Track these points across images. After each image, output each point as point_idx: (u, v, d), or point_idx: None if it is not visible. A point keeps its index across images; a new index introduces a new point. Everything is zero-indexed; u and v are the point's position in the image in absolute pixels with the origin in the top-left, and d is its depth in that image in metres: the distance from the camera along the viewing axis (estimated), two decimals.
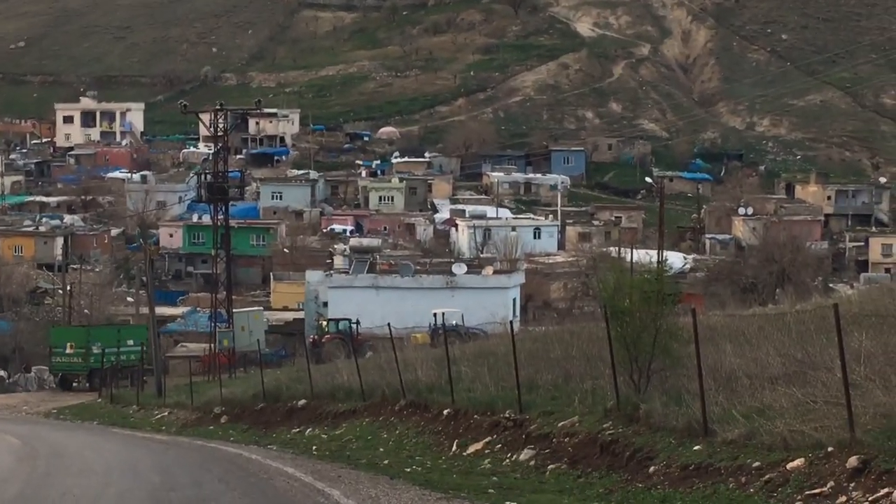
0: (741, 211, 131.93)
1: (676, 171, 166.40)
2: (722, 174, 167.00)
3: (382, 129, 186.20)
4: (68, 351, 70.46)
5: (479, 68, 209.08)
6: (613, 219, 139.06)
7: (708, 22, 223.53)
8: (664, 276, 25.60)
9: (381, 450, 26.29)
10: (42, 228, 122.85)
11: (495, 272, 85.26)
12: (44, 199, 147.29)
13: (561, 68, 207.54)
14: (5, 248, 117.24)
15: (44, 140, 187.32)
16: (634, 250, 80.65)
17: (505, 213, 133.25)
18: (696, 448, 18.20)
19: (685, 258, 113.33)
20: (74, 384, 71.18)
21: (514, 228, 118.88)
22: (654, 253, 76.90)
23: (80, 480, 22.97)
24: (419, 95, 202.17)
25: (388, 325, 32.85)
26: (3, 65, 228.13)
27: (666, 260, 77.42)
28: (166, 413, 46.95)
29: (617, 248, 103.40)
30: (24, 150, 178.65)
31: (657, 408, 20.03)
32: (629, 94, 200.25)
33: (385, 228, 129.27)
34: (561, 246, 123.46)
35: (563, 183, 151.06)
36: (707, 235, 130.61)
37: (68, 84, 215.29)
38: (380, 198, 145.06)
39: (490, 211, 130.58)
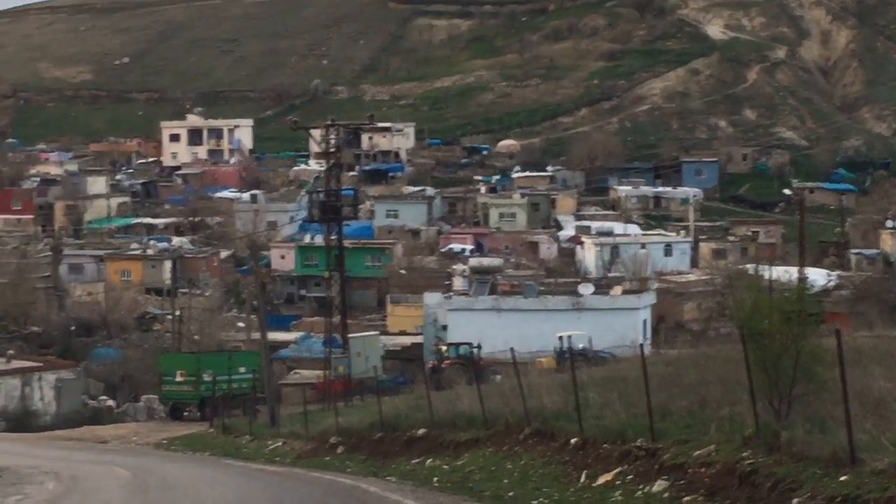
0: (889, 224, 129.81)
1: (817, 181, 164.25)
2: (867, 184, 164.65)
3: (502, 143, 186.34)
4: (178, 379, 71.40)
5: (603, 76, 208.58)
6: (750, 234, 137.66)
7: (849, 21, 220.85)
8: (806, 295, 25.32)
9: (506, 481, 26.29)
10: (150, 251, 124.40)
11: (624, 292, 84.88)
12: (151, 220, 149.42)
13: (691, 74, 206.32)
14: (112, 272, 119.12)
15: (150, 159, 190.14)
16: (773, 267, 79.69)
17: (633, 229, 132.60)
18: (842, 478, 17.98)
19: (828, 275, 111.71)
20: (185, 413, 72.12)
21: (643, 245, 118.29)
22: (794, 270, 75.97)
23: None
24: (540, 106, 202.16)
25: (511, 349, 32.84)
26: (108, 82, 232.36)
27: (807, 277, 76.45)
28: (280, 443, 47.34)
29: (754, 266, 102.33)
30: (130, 171, 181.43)
31: (800, 435, 19.82)
32: (765, 101, 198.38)
33: (506, 247, 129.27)
34: (694, 263, 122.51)
35: (695, 196, 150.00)
36: (852, 251, 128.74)
37: (174, 100, 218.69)
38: (500, 215, 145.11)
39: (618, 227, 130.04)
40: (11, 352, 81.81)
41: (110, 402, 77.13)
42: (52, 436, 65.49)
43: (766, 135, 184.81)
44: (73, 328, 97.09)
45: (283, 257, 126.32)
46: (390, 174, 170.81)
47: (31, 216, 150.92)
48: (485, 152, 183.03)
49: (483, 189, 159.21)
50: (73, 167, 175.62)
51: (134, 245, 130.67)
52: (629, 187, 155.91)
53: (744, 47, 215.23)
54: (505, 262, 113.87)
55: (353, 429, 41.49)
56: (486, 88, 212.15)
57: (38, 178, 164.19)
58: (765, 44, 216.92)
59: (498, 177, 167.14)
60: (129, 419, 73.49)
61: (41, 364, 77.52)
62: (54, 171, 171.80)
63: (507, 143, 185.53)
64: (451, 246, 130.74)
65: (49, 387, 73.55)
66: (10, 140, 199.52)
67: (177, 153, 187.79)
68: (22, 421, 71.29)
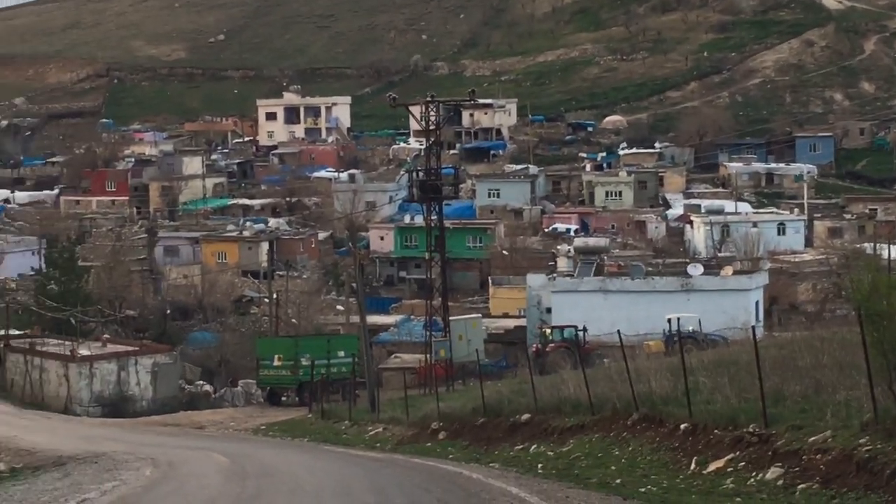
0: None
1: None
2: None
3: (608, 118, 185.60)
4: (276, 363, 71.88)
5: (713, 48, 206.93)
6: (868, 211, 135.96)
7: None
8: None
9: (613, 468, 26.24)
10: (246, 233, 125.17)
11: (735, 273, 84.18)
12: (247, 201, 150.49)
13: (805, 45, 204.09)
14: (208, 254, 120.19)
15: (246, 139, 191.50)
16: (892, 246, 78.85)
17: (745, 207, 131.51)
18: None
19: None
20: (283, 398, 72.65)
21: (755, 224, 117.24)
22: None
23: (291, 501, 23.49)
24: (647, 80, 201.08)
25: (618, 331, 32.74)
26: (203, 60, 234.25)
27: None
28: (381, 429, 47.56)
29: (872, 244, 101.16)
30: (226, 150, 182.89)
31: None
32: (883, 72, 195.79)
33: (612, 226, 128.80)
34: (808, 243, 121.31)
35: (809, 173, 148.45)
36: None
37: (270, 78, 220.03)
38: (606, 193, 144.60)
39: (728, 205, 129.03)
40: (107, 336, 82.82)
41: (207, 387, 77.89)
42: (149, 421, 66.28)
43: (884, 108, 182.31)
44: (168, 312, 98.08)
45: (382, 238, 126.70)
46: (492, 152, 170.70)
47: (126, 197, 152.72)
48: (590, 128, 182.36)
49: (588, 167, 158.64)
50: (168, 147, 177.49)
51: (230, 227, 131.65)
52: (740, 164, 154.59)
53: (860, 17, 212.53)
54: (611, 242, 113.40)
55: (454, 414, 41.59)
56: (591, 62, 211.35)
57: (133, 159, 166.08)
58: (883, 13, 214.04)
59: (603, 154, 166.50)
60: (226, 404, 74.18)
61: (137, 348, 78.38)
62: (149, 151, 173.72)
63: (613, 119, 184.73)
64: (555, 226, 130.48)
65: (145, 371, 74.37)
66: (104, 120, 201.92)
67: (273, 132, 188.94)
68: (118, 406, 72.19)
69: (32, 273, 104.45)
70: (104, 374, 73.40)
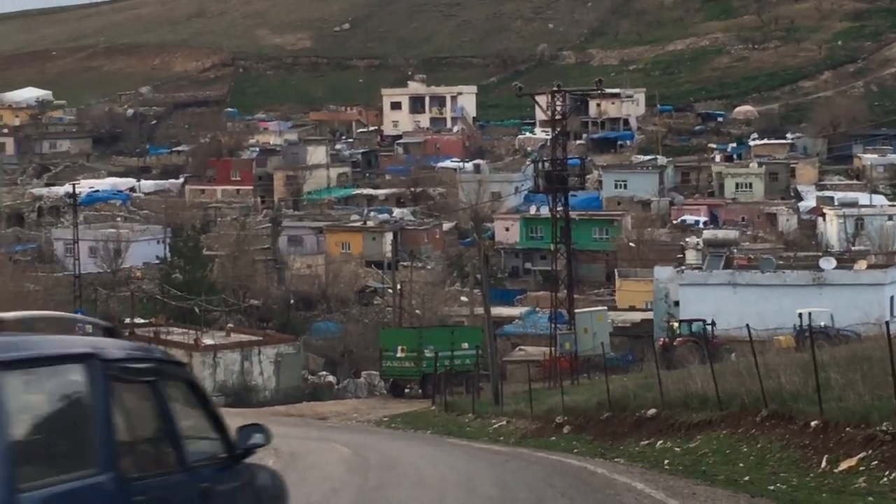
0: None
1: None
2: None
3: (738, 109, 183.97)
4: (399, 355, 72.12)
5: (847, 37, 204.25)
6: None
7: None
8: None
9: (741, 465, 26.03)
10: (370, 223, 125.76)
11: (869, 267, 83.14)
12: (371, 191, 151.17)
13: None
14: (332, 244, 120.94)
15: (370, 128, 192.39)
16: None
17: (880, 199, 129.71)
18: None
19: None
20: (406, 390, 72.91)
21: (890, 217, 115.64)
22: None
23: (414, 493, 23.57)
24: (779, 70, 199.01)
25: (747, 326, 32.45)
26: (328, 49, 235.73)
27: None
28: (504, 422, 47.55)
29: None
30: (351, 140, 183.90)
31: None
32: None
33: (743, 219, 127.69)
34: None
35: None
36: None
37: (395, 68, 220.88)
38: (736, 185, 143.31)
39: (862, 198, 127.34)
40: (231, 325, 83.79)
41: (330, 378, 78.46)
42: (272, 411, 66.82)
43: None
44: (292, 302, 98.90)
45: (507, 229, 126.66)
46: (619, 142, 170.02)
47: (251, 187, 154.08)
48: (720, 119, 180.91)
49: (718, 157, 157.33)
50: (292, 137, 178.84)
51: (354, 216, 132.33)
52: (875, 155, 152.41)
53: None
54: (741, 235, 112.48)
55: (579, 408, 41.48)
56: (721, 51, 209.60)
57: (258, 148, 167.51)
58: None
59: (734, 145, 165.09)
60: (349, 395, 74.62)
61: (261, 338, 79.18)
62: (273, 140, 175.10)
63: (743, 109, 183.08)
64: (683, 217, 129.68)
65: (268, 361, 75.12)
66: (229, 109, 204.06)
67: (398, 122, 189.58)
68: (241, 396, 72.97)
69: (157, 262, 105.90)
70: (228, 364, 74.27)
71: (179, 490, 8.82)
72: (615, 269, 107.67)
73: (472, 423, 50.17)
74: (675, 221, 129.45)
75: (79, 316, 11.10)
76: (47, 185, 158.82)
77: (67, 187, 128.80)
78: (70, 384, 7.94)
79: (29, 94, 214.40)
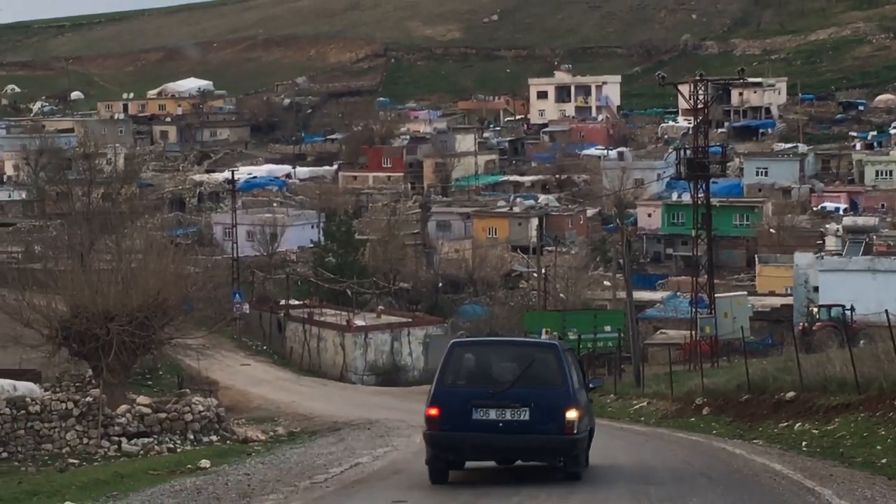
0: None
1: None
2: None
3: (879, 97, 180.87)
4: (543, 336, 72.17)
5: None
6: None
7: None
8: None
9: (879, 447, 25.67)
10: (516, 209, 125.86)
11: None
12: (518, 178, 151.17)
13: None
14: (479, 229, 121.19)
15: (517, 117, 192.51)
16: None
17: None
18: None
19: None
20: None
21: None
22: None
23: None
24: None
25: (886, 311, 31.96)
26: (477, 39, 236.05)
27: None
28: (645, 403, 47.41)
29: None
30: (498, 128, 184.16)
31: None
32: None
33: (882, 206, 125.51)
34: None
35: None
36: None
37: (542, 58, 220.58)
38: (876, 172, 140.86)
39: None
40: (381, 307, 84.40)
41: None
42: (420, 390, 67.19)
43: None
44: (440, 285, 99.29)
45: (649, 215, 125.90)
46: (760, 131, 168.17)
47: (401, 174, 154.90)
48: (861, 107, 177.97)
49: (858, 146, 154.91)
50: (441, 125, 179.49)
51: (501, 202, 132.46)
52: None
53: None
54: (881, 222, 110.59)
55: (718, 390, 41.21)
56: (863, 41, 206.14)
57: (408, 136, 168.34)
58: None
59: (874, 133, 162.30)
60: None
61: (410, 320, 79.70)
62: (423, 129, 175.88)
63: (885, 98, 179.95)
64: (823, 204, 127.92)
65: (417, 342, 75.62)
66: (381, 99, 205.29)
67: (544, 110, 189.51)
68: (391, 375, 73.57)
69: (311, 245, 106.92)
70: (378, 344, 74.91)
71: (583, 395, 22.30)
72: (755, 255, 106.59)
73: (613, 404, 50.10)
74: (815, 208, 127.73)
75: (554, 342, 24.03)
76: (207, 171, 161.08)
77: (226, 174, 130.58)
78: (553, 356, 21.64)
79: (191, 84, 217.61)
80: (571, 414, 20.74)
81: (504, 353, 22.32)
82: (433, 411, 21.27)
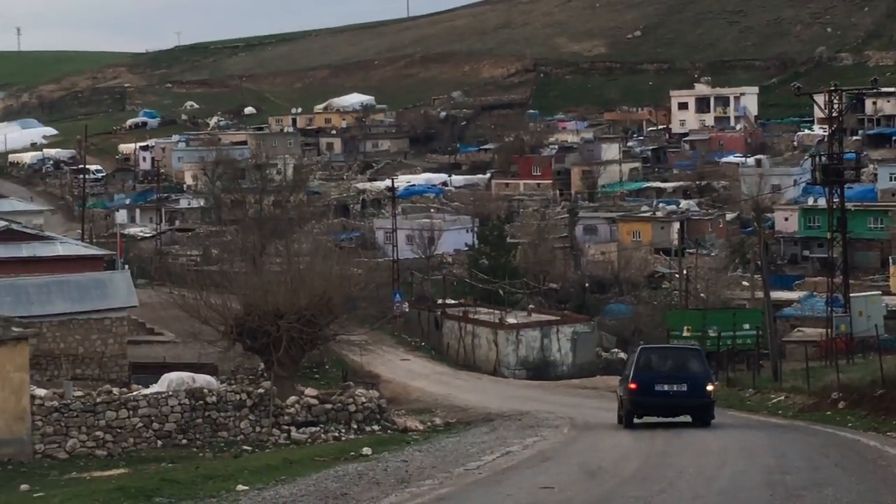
0: None
1: None
2: None
3: None
4: (685, 334, 71.59)
5: None
6: None
7: None
8: None
9: None
10: (659, 214, 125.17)
11: None
12: (660, 184, 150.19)
13: None
14: (624, 233, 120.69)
15: (659, 127, 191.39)
16: None
17: None
18: None
19: None
20: None
21: None
22: None
23: (696, 460, 23.41)
24: None
25: None
26: (621, 54, 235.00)
27: None
28: (782, 397, 46.78)
29: None
30: (641, 137, 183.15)
31: None
32: None
33: None
34: None
35: None
36: None
37: (682, 71, 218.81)
38: None
39: None
40: (532, 306, 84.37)
41: (622, 355, 78.17)
42: (568, 384, 67.16)
43: None
44: (587, 285, 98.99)
45: (786, 219, 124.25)
46: (894, 138, 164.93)
47: (550, 181, 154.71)
48: None
49: None
50: (588, 135, 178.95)
51: (644, 208, 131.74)
52: None
53: None
54: None
55: (853, 385, 40.52)
56: None
57: (556, 146, 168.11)
58: None
59: None
60: None
61: (559, 318, 79.54)
62: (571, 138, 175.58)
63: None
64: None
65: (566, 339, 75.42)
66: (531, 111, 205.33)
67: (685, 120, 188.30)
68: (541, 370, 73.47)
69: (466, 248, 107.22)
70: (529, 341, 74.86)
71: (712, 377, 35.03)
72: (889, 257, 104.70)
73: (752, 398, 49.51)
74: None
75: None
76: (370, 180, 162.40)
77: (387, 182, 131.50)
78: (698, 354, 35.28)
79: (355, 99, 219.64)
80: (709, 387, 33.76)
81: (670, 353, 37.18)
82: (633, 385, 33.29)
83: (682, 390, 33.10)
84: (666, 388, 33.11)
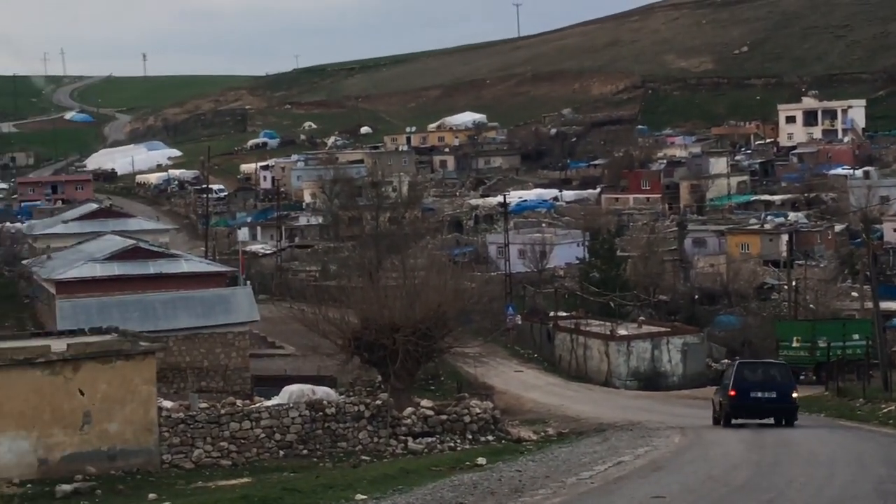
0: None
1: None
2: None
3: None
4: (794, 344, 70.82)
5: None
6: None
7: None
8: None
9: None
10: (767, 226, 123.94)
11: None
12: (768, 197, 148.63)
13: None
14: (733, 245, 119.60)
15: (767, 140, 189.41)
16: None
17: None
18: None
19: None
20: (801, 377, 71.32)
21: None
22: None
23: (806, 470, 23.13)
24: None
25: None
26: (728, 69, 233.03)
27: None
28: (893, 407, 46.01)
29: None
30: (749, 151, 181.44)
31: None
32: None
33: None
34: None
35: None
36: None
37: (789, 85, 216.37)
38: None
39: None
40: (642, 318, 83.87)
41: (715, 365, 77.51)
42: (678, 395, 66.69)
43: None
44: (696, 297, 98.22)
45: (895, 230, 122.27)
46: None
47: (659, 195, 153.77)
48: None
49: None
50: (696, 150, 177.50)
51: (752, 220, 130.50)
52: None
53: None
54: None
55: None
56: None
57: (665, 161, 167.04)
58: None
59: None
60: None
61: (669, 329, 78.99)
62: (679, 153, 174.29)
63: None
64: None
65: (676, 350, 74.84)
66: (639, 126, 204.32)
67: (792, 134, 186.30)
68: (651, 381, 72.99)
69: (577, 262, 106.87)
70: (640, 352, 74.41)
71: (796, 386, 42.47)
72: None
73: (862, 408, 48.75)
74: None
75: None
76: (482, 196, 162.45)
77: (499, 198, 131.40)
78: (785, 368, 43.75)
79: (467, 117, 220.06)
80: (795, 394, 40.95)
81: (762, 366, 44.06)
82: (732, 392, 40.30)
83: (771, 397, 40.33)
84: (759, 395, 40.26)
